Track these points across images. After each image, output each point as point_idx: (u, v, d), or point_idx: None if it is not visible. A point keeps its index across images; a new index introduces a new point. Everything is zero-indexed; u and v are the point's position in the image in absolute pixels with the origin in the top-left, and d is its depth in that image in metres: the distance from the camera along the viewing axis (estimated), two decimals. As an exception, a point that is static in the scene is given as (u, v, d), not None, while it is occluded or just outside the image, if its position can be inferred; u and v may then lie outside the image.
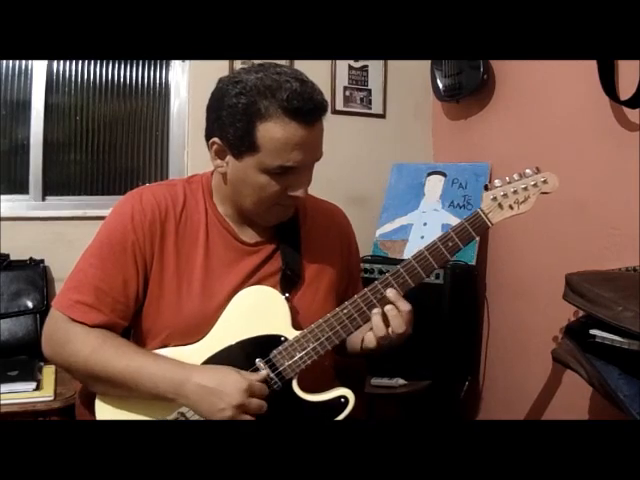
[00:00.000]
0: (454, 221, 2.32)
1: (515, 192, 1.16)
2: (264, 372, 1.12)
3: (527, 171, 1.18)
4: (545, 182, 1.17)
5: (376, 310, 1.14)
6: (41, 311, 1.99)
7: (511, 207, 1.16)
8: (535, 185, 1.17)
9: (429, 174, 2.49)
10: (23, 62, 2.24)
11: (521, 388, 2.19)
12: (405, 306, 1.13)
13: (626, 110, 1.74)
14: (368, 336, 1.16)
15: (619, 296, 1.28)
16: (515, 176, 1.18)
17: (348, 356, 1.33)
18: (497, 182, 1.18)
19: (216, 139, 1.12)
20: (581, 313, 1.40)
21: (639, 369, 1.25)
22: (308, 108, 1.06)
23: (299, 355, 1.13)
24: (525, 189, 1.16)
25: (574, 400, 1.90)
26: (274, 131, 1.05)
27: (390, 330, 1.13)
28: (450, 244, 1.15)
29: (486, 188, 1.18)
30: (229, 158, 1.12)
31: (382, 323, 1.13)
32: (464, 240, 1.15)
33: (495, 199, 1.16)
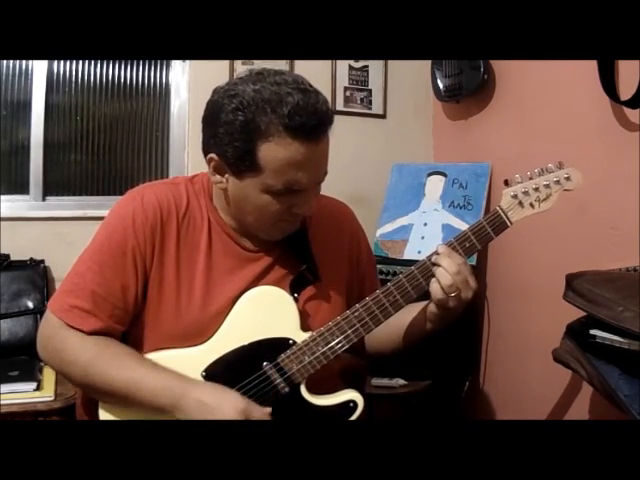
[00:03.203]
0: (454, 221, 2.32)
1: (537, 189, 1.09)
2: (267, 409, 1.06)
3: (550, 166, 1.11)
4: (568, 179, 1.11)
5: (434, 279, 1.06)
6: (41, 311, 1.98)
7: (532, 205, 1.10)
8: (558, 182, 1.10)
9: (429, 174, 2.49)
10: (23, 62, 2.24)
11: (521, 388, 2.19)
12: (453, 266, 1.04)
13: (626, 110, 1.74)
14: (430, 308, 1.09)
15: (619, 296, 1.28)
16: (536, 171, 1.11)
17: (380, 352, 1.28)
18: (518, 177, 1.11)
19: (214, 155, 1.06)
20: (582, 313, 1.39)
21: (639, 369, 1.24)
22: (312, 124, 0.98)
23: (308, 359, 1.09)
24: (547, 186, 1.09)
25: (574, 400, 1.90)
26: (276, 151, 0.99)
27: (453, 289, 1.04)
28: (467, 245, 1.09)
29: (506, 183, 1.10)
30: (228, 175, 1.07)
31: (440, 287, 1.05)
32: (482, 241, 1.09)
33: (516, 197, 1.09)
